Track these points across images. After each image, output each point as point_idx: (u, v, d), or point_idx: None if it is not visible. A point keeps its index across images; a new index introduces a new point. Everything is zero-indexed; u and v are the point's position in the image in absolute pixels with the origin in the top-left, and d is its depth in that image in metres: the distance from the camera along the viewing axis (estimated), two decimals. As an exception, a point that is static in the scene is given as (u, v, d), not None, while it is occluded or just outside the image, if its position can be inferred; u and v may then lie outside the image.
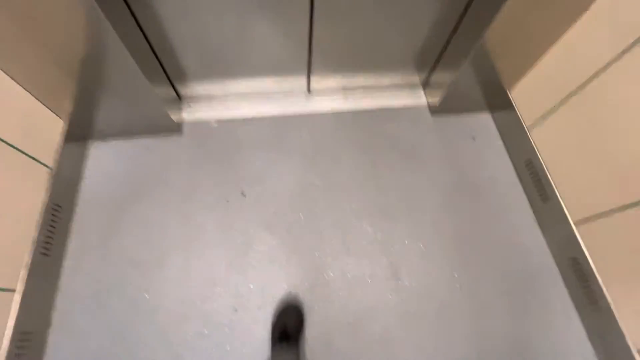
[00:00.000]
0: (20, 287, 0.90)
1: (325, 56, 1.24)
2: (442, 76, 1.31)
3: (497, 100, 1.36)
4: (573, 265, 1.08)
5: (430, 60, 1.34)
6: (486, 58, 1.14)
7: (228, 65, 1.24)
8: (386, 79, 1.42)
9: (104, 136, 1.25)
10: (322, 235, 1.14)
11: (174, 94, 1.30)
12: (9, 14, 0.77)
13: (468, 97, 1.34)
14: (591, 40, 0.97)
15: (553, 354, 1.03)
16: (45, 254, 0.99)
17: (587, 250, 1.03)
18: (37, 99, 1.01)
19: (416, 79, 1.44)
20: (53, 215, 1.04)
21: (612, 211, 0.95)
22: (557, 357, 1.03)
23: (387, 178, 1.26)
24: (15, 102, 0.95)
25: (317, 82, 1.37)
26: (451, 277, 1.11)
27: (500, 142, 1.36)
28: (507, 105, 1.31)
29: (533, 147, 1.20)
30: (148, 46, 1.05)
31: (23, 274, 0.92)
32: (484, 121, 1.41)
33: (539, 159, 1.18)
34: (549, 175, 1.15)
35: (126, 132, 1.25)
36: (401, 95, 1.44)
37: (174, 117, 1.27)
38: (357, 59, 1.30)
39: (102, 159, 1.22)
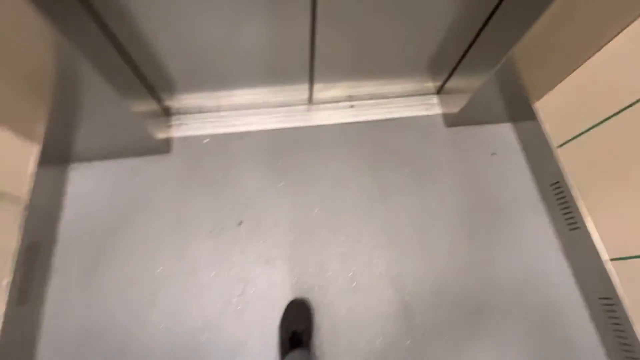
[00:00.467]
0: (-7, 342, 0.82)
1: (329, 62, 1.09)
2: (460, 83, 1.16)
3: (520, 110, 1.22)
4: (604, 306, 0.98)
5: (446, 65, 1.19)
6: (513, 66, 0.99)
7: (220, 75, 1.10)
8: (396, 86, 1.27)
9: (85, 158, 1.13)
10: (326, 269, 1.04)
11: (160, 108, 1.16)
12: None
13: (488, 107, 1.20)
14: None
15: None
16: (22, 300, 0.90)
17: (621, 291, 0.93)
18: (3, 126, 0.89)
19: (430, 86, 1.29)
20: (29, 254, 0.94)
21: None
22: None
23: (396, 201, 1.14)
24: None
25: (320, 90, 1.23)
26: (469, 314, 1.02)
27: (522, 159, 1.23)
28: (531, 116, 1.17)
29: (561, 169, 1.07)
30: (122, 62, 0.91)
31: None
32: (505, 133, 1.27)
33: (568, 183, 1.06)
34: (579, 202, 1.03)
35: (109, 152, 1.13)
36: (413, 105, 1.29)
37: (161, 134, 1.14)
38: (364, 64, 1.15)
39: (83, 183, 1.11)
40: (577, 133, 1.02)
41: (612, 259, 0.95)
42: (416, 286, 1.04)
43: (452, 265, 1.07)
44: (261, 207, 1.11)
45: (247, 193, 1.12)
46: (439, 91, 1.31)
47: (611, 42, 0.88)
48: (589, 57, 0.94)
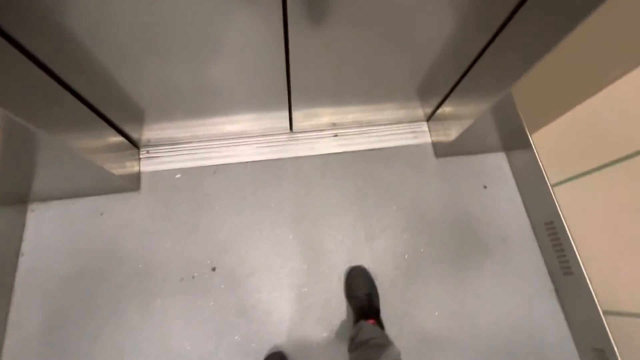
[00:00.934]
0: None
1: (309, 87, 0.99)
2: (453, 111, 1.08)
3: (515, 140, 1.14)
4: (597, 357, 0.93)
5: (438, 92, 1.10)
6: (511, 99, 0.91)
7: (193, 102, 0.99)
8: (384, 112, 1.18)
9: (44, 198, 1.04)
10: (306, 321, 0.98)
11: (126, 141, 1.07)
12: None
13: (482, 138, 1.13)
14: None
15: None
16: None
17: (617, 346, 0.88)
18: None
19: (419, 112, 1.20)
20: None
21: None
22: None
23: (382, 242, 1.07)
24: None
25: (301, 118, 1.14)
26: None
27: (515, 192, 1.16)
28: (526, 144, 1.10)
29: (556, 209, 1.01)
30: (76, 99, 0.82)
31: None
32: (498, 163, 1.20)
33: (563, 225, 0.99)
34: (574, 246, 0.97)
35: (71, 192, 1.04)
36: (401, 132, 1.21)
37: (128, 169, 1.05)
38: (348, 90, 1.05)
39: (44, 226, 1.02)
40: (575, 174, 0.95)
41: (605, 312, 0.90)
42: (402, 331, 0.98)
43: (441, 313, 1.01)
44: (237, 252, 1.03)
45: (221, 235, 1.04)
46: (429, 118, 1.23)
47: (612, 85, 0.80)
48: (589, 97, 0.87)
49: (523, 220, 1.12)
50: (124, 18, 0.65)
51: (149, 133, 1.09)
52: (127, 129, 1.04)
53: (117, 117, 0.98)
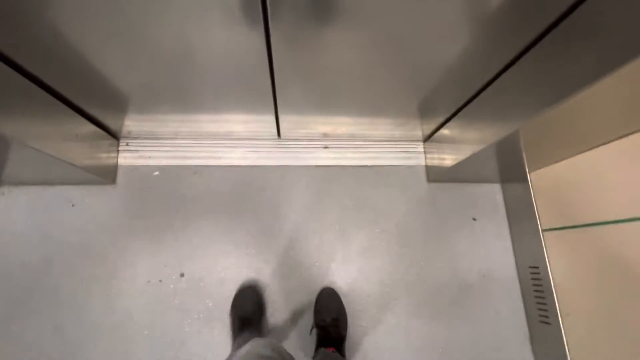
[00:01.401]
0: None
1: (297, 98, 0.92)
2: (452, 136, 1.01)
3: (512, 174, 1.08)
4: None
5: (439, 113, 1.03)
6: (517, 137, 0.84)
7: (179, 95, 0.93)
8: (379, 127, 1.11)
9: (17, 182, 1.01)
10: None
11: (102, 131, 1.01)
12: None
13: (479, 169, 1.06)
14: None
15: None
16: None
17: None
18: None
19: (417, 132, 1.14)
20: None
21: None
22: None
23: (360, 265, 1.04)
24: None
25: (289, 126, 1.08)
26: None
27: (505, 227, 1.11)
28: (523, 179, 1.04)
29: (544, 255, 0.96)
30: (40, 89, 0.76)
31: None
32: (491, 195, 1.14)
33: (548, 273, 0.95)
34: (555, 297, 0.93)
35: (44, 180, 1.00)
36: (394, 151, 1.15)
37: (105, 160, 1.01)
38: (341, 102, 0.98)
39: (13, 211, 0.99)
40: (568, 224, 0.90)
41: (578, 371, 0.87)
42: (365, 364, 0.96)
43: (410, 346, 0.99)
44: (208, 260, 1.00)
45: (194, 241, 1.01)
46: (426, 139, 1.17)
47: (621, 140, 0.74)
48: (593, 148, 0.80)
49: (508, 259, 1.08)
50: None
51: (130, 124, 1.04)
52: (104, 119, 0.99)
53: (91, 105, 0.92)
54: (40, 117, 0.78)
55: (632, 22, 0.49)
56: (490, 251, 1.09)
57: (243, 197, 1.06)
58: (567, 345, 0.89)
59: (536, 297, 0.99)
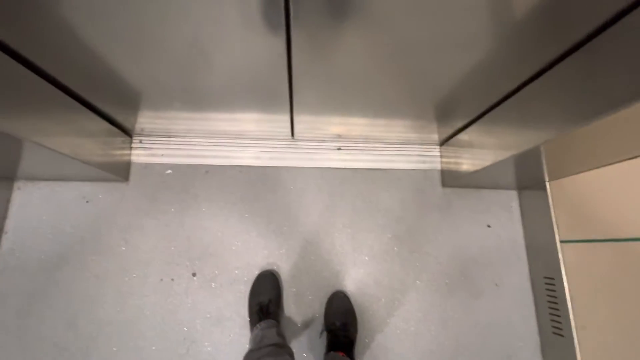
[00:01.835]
0: None
1: (313, 99, 0.91)
2: (470, 141, 0.98)
3: (530, 182, 1.06)
4: None
5: (460, 117, 0.99)
6: (539, 150, 0.80)
7: (194, 93, 0.91)
8: (394, 129, 1.09)
9: (32, 177, 1.01)
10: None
11: (116, 129, 1.01)
12: None
13: (497, 177, 1.04)
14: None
15: None
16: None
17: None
18: None
19: (433, 135, 1.11)
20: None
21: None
22: None
23: (370, 270, 1.03)
24: None
25: (303, 126, 1.06)
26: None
27: (520, 236, 1.09)
28: (542, 190, 1.01)
29: (560, 267, 0.94)
30: (52, 86, 0.76)
31: None
32: (507, 202, 1.12)
33: (563, 285, 0.93)
34: (570, 310, 0.91)
35: (59, 176, 1.01)
36: (409, 154, 1.13)
37: (118, 158, 1.01)
38: (356, 103, 0.96)
39: (28, 206, 1.00)
40: (586, 238, 0.87)
41: (590, 386, 0.86)
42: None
43: (418, 351, 0.98)
44: (220, 260, 1.00)
45: (205, 240, 1.01)
46: (443, 143, 1.14)
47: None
48: (619, 162, 0.77)
49: (523, 268, 1.06)
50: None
51: (143, 121, 1.03)
52: (118, 116, 0.98)
53: (105, 103, 0.91)
54: (55, 115, 0.77)
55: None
56: (504, 259, 1.07)
57: (255, 197, 1.06)
58: (580, 358, 0.88)
59: (550, 308, 0.98)
